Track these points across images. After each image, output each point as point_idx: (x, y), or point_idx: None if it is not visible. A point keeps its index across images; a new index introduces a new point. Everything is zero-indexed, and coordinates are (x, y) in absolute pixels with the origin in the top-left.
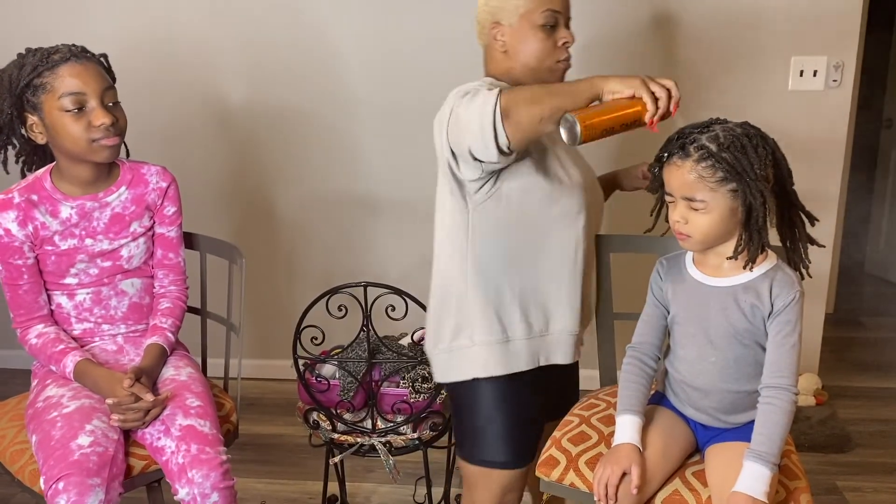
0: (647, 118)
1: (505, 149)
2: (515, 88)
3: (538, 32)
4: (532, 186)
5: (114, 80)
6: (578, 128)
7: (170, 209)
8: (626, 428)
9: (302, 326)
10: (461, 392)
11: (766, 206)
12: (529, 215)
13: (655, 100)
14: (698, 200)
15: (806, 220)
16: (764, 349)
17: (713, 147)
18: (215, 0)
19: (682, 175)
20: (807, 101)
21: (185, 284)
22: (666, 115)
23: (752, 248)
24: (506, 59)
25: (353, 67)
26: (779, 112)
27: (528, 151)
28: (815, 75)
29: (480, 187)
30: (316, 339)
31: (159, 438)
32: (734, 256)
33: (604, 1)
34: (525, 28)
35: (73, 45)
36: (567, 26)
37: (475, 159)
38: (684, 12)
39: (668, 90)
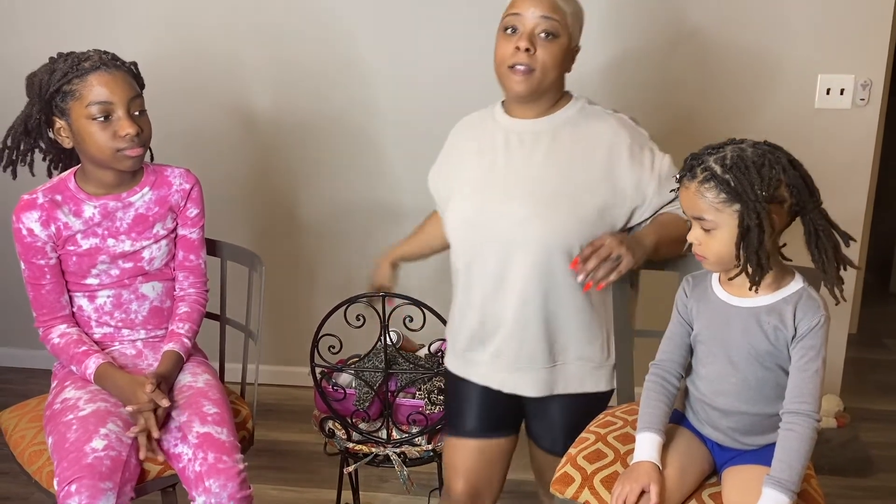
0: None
1: None
2: None
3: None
4: None
5: (142, 87)
6: None
7: (192, 211)
8: (647, 446)
9: (320, 335)
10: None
11: (762, 227)
12: None
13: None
14: (707, 220)
15: (840, 241)
16: (786, 373)
17: (717, 168)
18: (242, 9)
19: (690, 196)
20: (834, 120)
21: (204, 287)
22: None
23: (749, 269)
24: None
25: (378, 76)
26: (805, 130)
27: None
28: (842, 93)
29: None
30: (333, 347)
31: (176, 445)
32: (733, 277)
33: (624, 20)
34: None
35: (104, 53)
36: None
37: None
38: (708, 29)
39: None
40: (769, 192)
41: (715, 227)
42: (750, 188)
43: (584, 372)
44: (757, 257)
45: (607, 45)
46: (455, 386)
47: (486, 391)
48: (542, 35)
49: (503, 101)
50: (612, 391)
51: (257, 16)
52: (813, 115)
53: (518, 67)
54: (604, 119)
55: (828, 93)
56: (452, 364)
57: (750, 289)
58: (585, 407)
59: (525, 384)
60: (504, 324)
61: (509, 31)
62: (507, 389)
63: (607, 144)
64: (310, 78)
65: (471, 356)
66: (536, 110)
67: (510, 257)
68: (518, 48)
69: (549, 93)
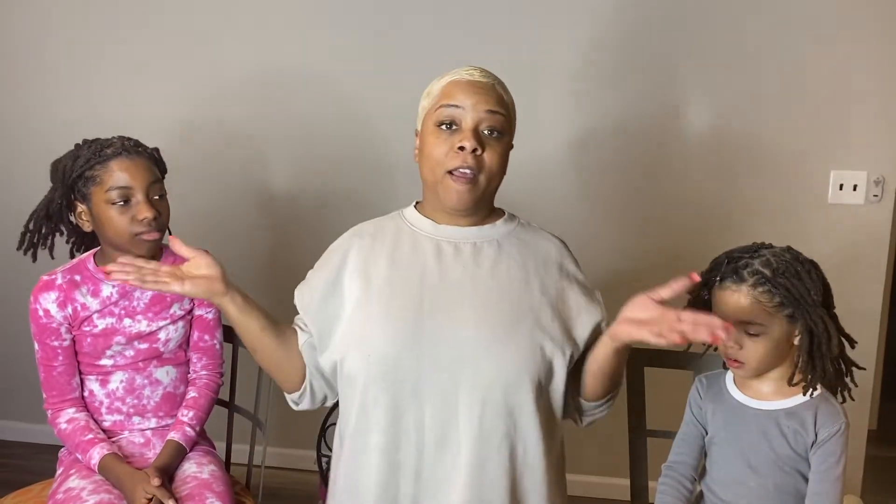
0: None
1: None
2: None
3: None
4: None
5: (164, 172)
6: None
7: None
8: None
9: (327, 424)
10: None
11: (829, 332)
12: None
13: None
14: (756, 324)
15: (846, 344)
16: (805, 479)
17: (767, 272)
18: (264, 90)
19: (738, 300)
20: (847, 215)
21: (218, 369)
22: None
23: (814, 374)
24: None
25: (396, 157)
26: (818, 225)
27: None
28: (854, 189)
29: None
30: None
31: None
32: (791, 382)
33: (640, 113)
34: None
35: (127, 140)
36: (474, 128)
37: None
38: (721, 125)
39: None
40: (819, 297)
41: (764, 332)
42: (807, 293)
43: None
44: (822, 362)
45: (611, 127)
46: None
47: None
48: (487, 132)
49: (417, 206)
50: None
51: (278, 96)
52: (826, 210)
53: (462, 172)
54: (546, 237)
55: (840, 188)
56: None
57: (804, 393)
58: None
59: None
60: (454, 496)
61: (445, 126)
62: None
63: (556, 263)
64: (329, 158)
65: None
66: (471, 220)
67: (455, 401)
68: (463, 148)
69: (489, 201)
